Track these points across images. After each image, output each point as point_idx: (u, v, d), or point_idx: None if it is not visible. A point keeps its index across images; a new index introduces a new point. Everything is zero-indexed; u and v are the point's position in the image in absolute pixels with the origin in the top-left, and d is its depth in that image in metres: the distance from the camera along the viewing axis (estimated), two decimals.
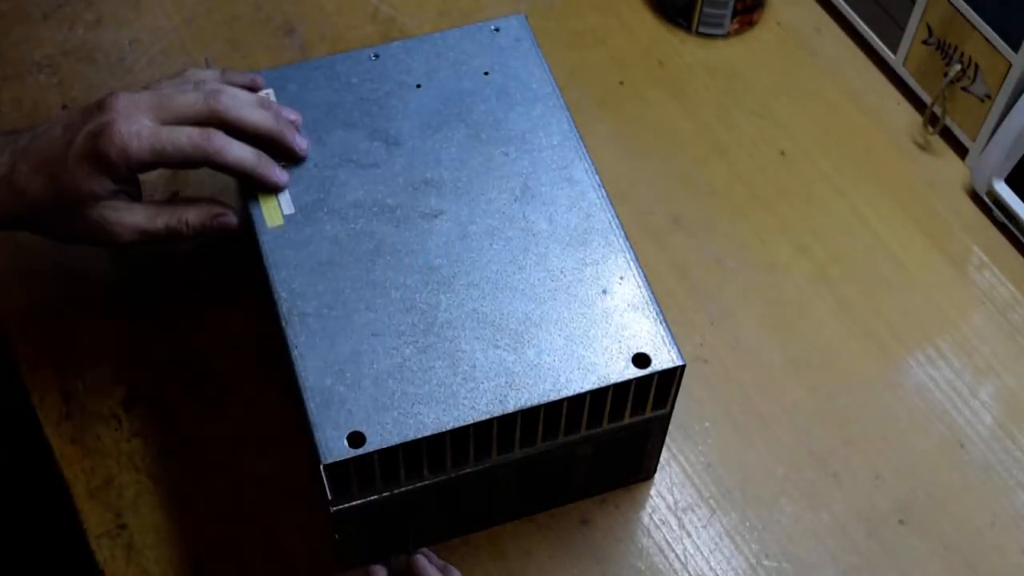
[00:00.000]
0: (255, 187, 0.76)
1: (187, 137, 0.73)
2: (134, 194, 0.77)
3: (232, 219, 0.78)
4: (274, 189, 0.76)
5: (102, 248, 0.82)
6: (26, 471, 0.99)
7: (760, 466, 0.82)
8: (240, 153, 0.75)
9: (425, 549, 0.75)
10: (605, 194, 0.77)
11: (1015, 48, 0.89)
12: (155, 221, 0.76)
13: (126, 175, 0.74)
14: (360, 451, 0.67)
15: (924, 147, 0.98)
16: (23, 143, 0.74)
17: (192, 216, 0.77)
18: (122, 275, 0.87)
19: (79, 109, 0.75)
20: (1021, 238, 0.92)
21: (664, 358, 0.71)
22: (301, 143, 0.77)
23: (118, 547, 0.77)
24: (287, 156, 0.77)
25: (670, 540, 0.79)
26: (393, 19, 1.03)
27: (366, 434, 0.67)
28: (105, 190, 0.73)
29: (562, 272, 0.74)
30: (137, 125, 0.72)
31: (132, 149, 0.72)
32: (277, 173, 0.76)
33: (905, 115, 1.00)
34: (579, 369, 0.70)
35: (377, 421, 0.68)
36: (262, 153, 0.76)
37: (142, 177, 0.79)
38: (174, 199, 0.83)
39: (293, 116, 0.78)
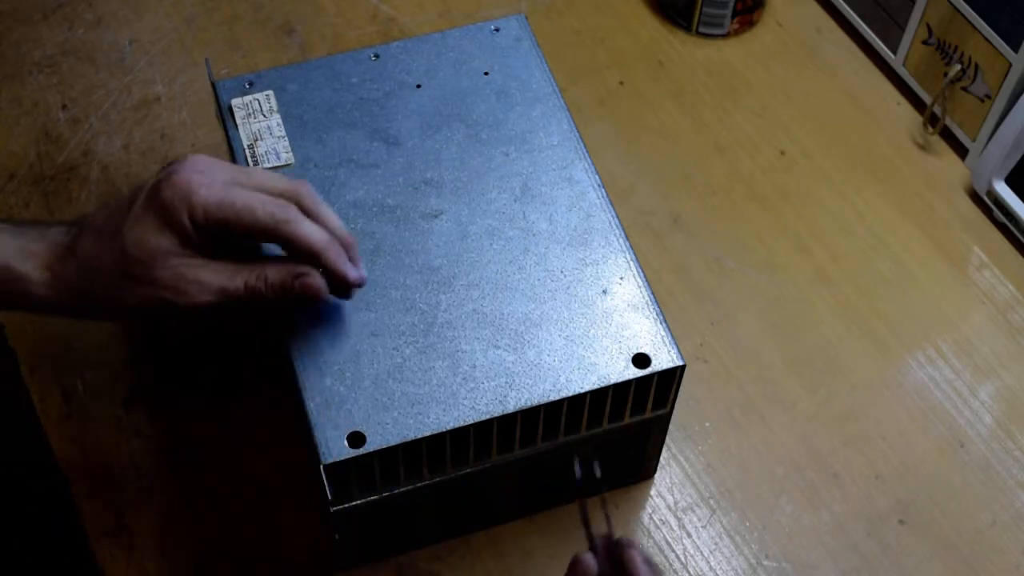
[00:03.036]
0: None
1: (259, 201, 0.66)
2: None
3: (317, 281, 0.67)
4: (341, 283, 0.68)
5: (171, 320, 0.75)
6: (26, 471, 0.99)
7: (760, 466, 0.82)
8: (312, 230, 0.67)
9: (632, 541, 0.66)
10: (605, 194, 0.77)
11: (1015, 48, 0.89)
12: (234, 279, 0.67)
13: (193, 231, 0.66)
14: (360, 451, 0.67)
15: (924, 147, 0.98)
16: (89, 217, 0.68)
17: (272, 273, 0.67)
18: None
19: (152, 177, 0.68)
20: (1021, 238, 0.92)
21: (664, 358, 0.71)
22: (354, 273, 0.68)
23: (118, 547, 0.77)
24: (339, 281, 0.68)
25: (670, 540, 0.79)
26: (393, 19, 1.03)
27: (366, 434, 0.67)
28: (172, 245, 0.65)
29: (562, 272, 0.74)
30: (209, 178, 0.66)
31: (198, 196, 0.65)
32: (347, 265, 0.68)
33: (905, 115, 1.00)
34: (579, 369, 0.70)
35: (377, 421, 0.68)
36: (335, 240, 0.68)
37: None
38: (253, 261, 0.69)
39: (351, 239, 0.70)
